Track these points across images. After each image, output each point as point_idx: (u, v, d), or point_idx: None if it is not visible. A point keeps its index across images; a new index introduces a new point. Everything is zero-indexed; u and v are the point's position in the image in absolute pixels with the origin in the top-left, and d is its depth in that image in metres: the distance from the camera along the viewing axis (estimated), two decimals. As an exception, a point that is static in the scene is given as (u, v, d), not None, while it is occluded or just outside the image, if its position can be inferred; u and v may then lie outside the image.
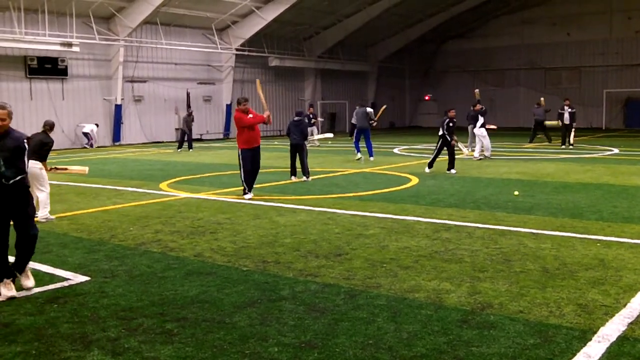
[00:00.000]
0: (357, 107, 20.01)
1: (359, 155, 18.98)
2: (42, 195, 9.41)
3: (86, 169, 10.41)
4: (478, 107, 19.81)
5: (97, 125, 28.36)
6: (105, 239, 8.24)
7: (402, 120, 48.69)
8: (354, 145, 19.72)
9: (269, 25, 32.46)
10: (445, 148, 15.47)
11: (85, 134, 27.96)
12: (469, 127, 20.93)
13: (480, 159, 18.86)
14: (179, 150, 25.35)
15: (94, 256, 7.26)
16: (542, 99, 26.77)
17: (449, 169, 15.42)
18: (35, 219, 9.41)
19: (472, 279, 6.02)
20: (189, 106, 29.99)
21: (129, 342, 4.57)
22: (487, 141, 19.12)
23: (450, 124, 15.28)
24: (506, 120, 40.38)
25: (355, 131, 19.91)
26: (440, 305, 5.28)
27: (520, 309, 5.14)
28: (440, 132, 15.42)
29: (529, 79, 44.01)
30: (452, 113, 15.60)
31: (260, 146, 11.98)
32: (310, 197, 11.65)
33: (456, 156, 16.05)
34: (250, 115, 11.67)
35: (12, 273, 5.82)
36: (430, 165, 15.72)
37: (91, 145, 27.97)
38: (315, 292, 5.71)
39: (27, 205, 5.85)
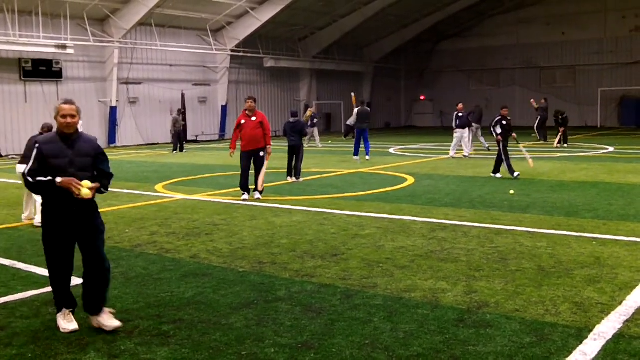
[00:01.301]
0: (360, 107, 19.80)
1: (357, 158, 19.00)
2: (39, 199, 9.34)
3: None
4: (460, 106, 20.13)
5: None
6: (101, 241, 8.20)
7: (397, 120, 48.72)
8: (354, 147, 19.51)
9: (264, 26, 32.45)
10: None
11: None
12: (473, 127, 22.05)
13: (456, 157, 19.58)
14: (174, 152, 25.40)
15: (90, 258, 7.24)
16: (543, 99, 27.59)
17: (512, 173, 13.83)
18: (31, 221, 9.45)
19: (468, 278, 6.03)
20: (183, 107, 30.37)
21: (125, 344, 4.56)
22: (455, 142, 19.85)
23: (504, 122, 14.12)
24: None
25: (355, 132, 19.69)
26: (436, 305, 5.28)
27: (517, 308, 5.15)
28: (496, 134, 14.10)
29: (525, 78, 44.07)
30: (504, 112, 14.41)
31: (263, 149, 11.71)
32: (306, 198, 11.65)
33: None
34: (243, 121, 11.66)
35: (73, 303, 5.10)
36: (511, 171, 13.84)
37: None
38: (312, 293, 5.71)
39: (100, 224, 5.07)
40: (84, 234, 4.92)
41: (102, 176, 4.96)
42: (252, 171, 11.72)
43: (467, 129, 19.78)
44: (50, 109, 26.65)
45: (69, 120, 4.79)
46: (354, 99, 20.54)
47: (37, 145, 4.81)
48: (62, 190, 4.66)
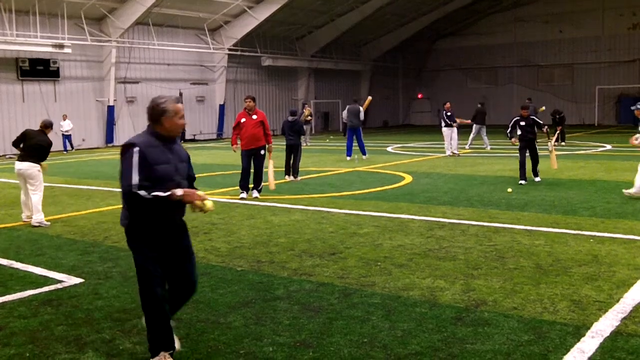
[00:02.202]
0: (350, 105, 19.90)
1: (353, 157, 18.96)
2: (35, 198, 9.35)
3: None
4: (447, 105, 20.14)
5: (64, 117, 26.57)
6: (99, 240, 8.21)
7: (395, 118, 48.74)
8: (346, 146, 19.58)
9: (261, 25, 32.45)
10: (528, 150, 12.92)
11: (67, 136, 26.66)
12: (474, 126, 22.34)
13: (450, 155, 19.66)
14: None
15: (88, 258, 7.24)
16: (527, 99, 27.46)
17: (535, 176, 12.95)
18: (28, 221, 9.44)
19: (466, 277, 6.03)
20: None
21: (123, 344, 4.56)
22: (448, 140, 19.91)
23: (522, 123, 12.85)
24: (499, 117, 40.51)
25: (347, 130, 19.76)
26: (434, 303, 5.29)
27: (514, 306, 5.15)
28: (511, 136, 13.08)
29: (522, 76, 44.14)
30: (525, 112, 13.02)
31: (263, 148, 11.71)
32: (304, 197, 11.65)
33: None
34: (243, 120, 11.62)
35: (173, 342, 4.20)
36: (521, 173, 12.81)
37: (71, 147, 26.79)
38: (310, 292, 5.71)
39: (191, 244, 4.40)
40: (177, 255, 4.24)
41: (192, 183, 4.38)
42: (252, 170, 11.73)
43: (454, 127, 19.83)
44: (48, 108, 26.76)
45: (183, 122, 4.13)
46: (367, 102, 20.57)
47: (137, 149, 3.93)
48: (169, 204, 3.98)
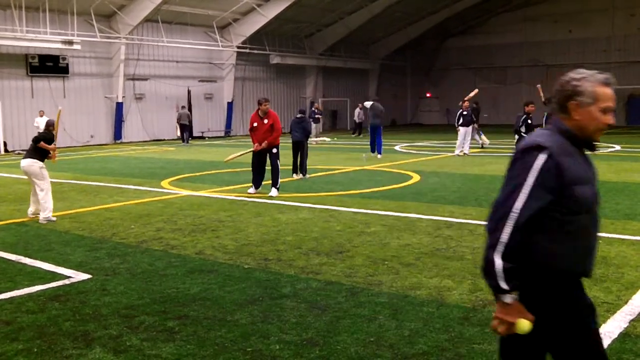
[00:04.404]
0: (372, 103, 20.19)
1: (376, 154, 19.19)
2: (41, 195, 9.40)
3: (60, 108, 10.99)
4: (466, 104, 20.10)
5: (41, 113, 24.29)
6: (106, 236, 8.24)
7: (403, 117, 48.65)
8: (370, 144, 19.96)
9: (270, 23, 32.44)
10: None
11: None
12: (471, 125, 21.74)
13: (459, 155, 19.60)
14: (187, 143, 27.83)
15: (96, 254, 7.27)
16: (538, 86, 25.85)
17: None
18: (36, 217, 9.48)
19: (474, 276, 6.01)
20: (189, 103, 31.84)
21: (130, 340, 4.58)
22: (460, 139, 19.78)
23: (529, 121, 12.32)
24: (508, 117, 40.37)
25: (369, 128, 20.13)
26: (441, 303, 5.27)
27: (522, 306, 5.13)
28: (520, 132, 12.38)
29: (531, 76, 43.87)
30: (530, 108, 12.62)
31: (276, 147, 11.99)
32: (312, 195, 11.65)
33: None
34: (255, 124, 11.97)
35: None
36: None
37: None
38: (317, 290, 5.71)
39: None
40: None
41: None
42: (268, 167, 11.95)
43: (470, 126, 19.78)
44: (57, 104, 26.80)
45: (610, 118, 2.63)
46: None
47: (544, 156, 2.49)
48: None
